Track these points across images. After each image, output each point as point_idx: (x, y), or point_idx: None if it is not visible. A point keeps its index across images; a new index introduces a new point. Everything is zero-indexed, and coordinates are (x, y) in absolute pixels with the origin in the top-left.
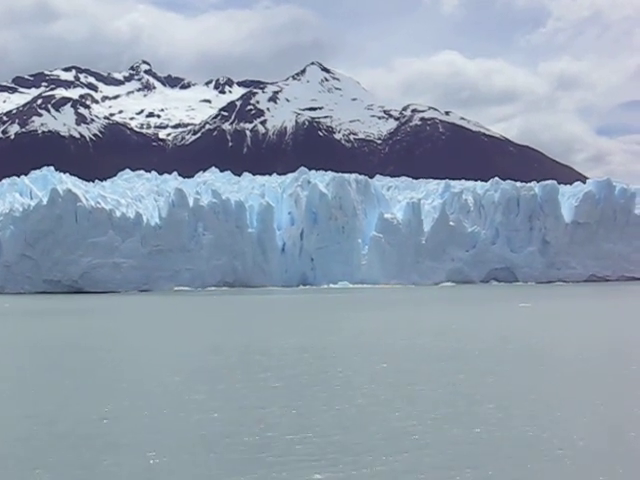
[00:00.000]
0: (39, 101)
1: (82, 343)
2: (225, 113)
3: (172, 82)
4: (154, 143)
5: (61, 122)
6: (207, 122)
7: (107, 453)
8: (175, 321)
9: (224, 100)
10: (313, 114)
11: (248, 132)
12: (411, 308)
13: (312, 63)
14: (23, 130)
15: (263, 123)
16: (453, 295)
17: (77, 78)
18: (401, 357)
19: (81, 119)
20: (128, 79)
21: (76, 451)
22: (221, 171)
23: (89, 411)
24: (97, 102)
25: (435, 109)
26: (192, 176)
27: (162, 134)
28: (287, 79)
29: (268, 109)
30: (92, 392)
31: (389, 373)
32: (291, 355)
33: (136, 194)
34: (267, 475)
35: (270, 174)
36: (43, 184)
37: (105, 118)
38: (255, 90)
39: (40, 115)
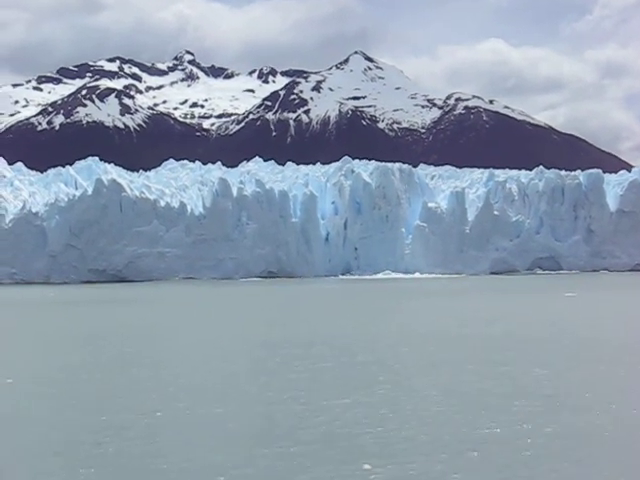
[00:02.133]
0: (83, 92)
1: (130, 334)
2: (269, 103)
3: (216, 72)
4: (198, 133)
5: (105, 112)
6: (251, 112)
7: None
8: (226, 311)
9: (267, 90)
10: (356, 103)
11: (291, 122)
12: (459, 298)
13: (355, 52)
14: (68, 121)
15: (306, 112)
16: (498, 285)
17: (121, 69)
18: (459, 347)
19: (125, 109)
20: (172, 69)
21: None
22: (265, 161)
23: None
24: (141, 92)
25: (479, 97)
26: (236, 166)
27: (206, 124)
28: (330, 68)
29: (311, 98)
30: (142, 387)
31: (452, 365)
32: (353, 345)
33: (180, 184)
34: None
35: (314, 164)
36: (88, 174)
37: (149, 108)
38: (298, 80)
39: (85, 106)
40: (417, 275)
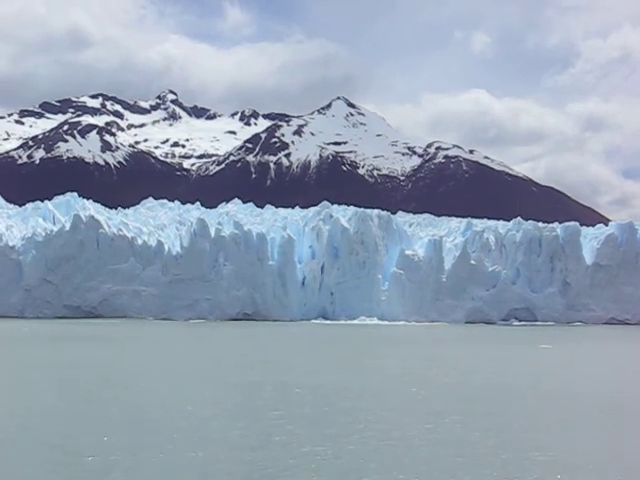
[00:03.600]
0: (65, 127)
1: (104, 374)
2: (250, 145)
3: (198, 112)
4: (178, 173)
5: (86, 149)
6: (231, 153)
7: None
8: (202, 353)
9: (249, 132)
10: (337, 148)
11: (272, 165)
12: (436, 347)
13: (338, 98)
14: (48, 155)
15: (287, 156)
16: (475, 334)
17: (103, 105)
18: (442, 397)
19: (106, 146)
20: (154, 108)
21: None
22: (244, 202)
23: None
24: (123, 130)
25: (459, 147)
26: (215, 207)
27: (186, 164)
28: (312, 113)
29: (293, 142)
30: (113, 426)
31: (434, 420)
32: (334, 391)
33: (158, 222)
34: None
35: (293, 207)
36: (66, 209)
37: (130, 146)
38: (280, 123)
39: (66, 141)
40: (392, 323)
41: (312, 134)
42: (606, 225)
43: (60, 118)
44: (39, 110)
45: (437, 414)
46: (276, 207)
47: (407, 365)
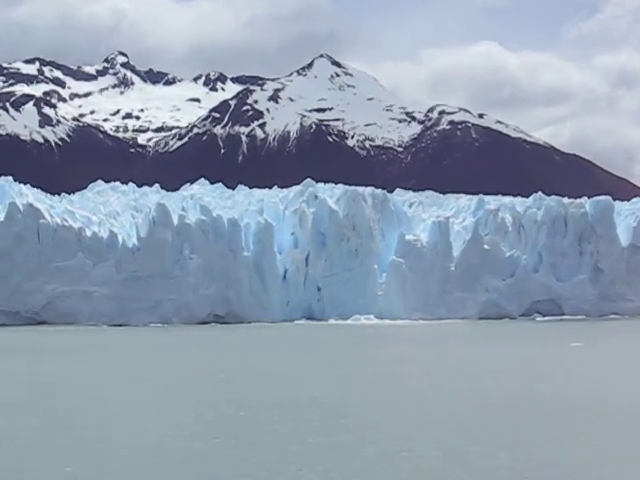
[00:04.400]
0: None
1: (39, 392)
2: (217, 114)
3: (154, 77)
4: (132, 150)
5: (21, 124)
6: (195, 125)
7: None
8: (169, 363)
9: (216, 99)
10: (321, 116)
11: (244, 137)
12: (443, 348)
13: (321, 56)
14: None
15: (262, 126)
16: (491, 332)
17: (41, 72)
18: (460, 408)
19: (45, 120)
20: (101, 74)
21: None
22: (211, 183)
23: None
24: (64, 100)
25: (467, 111)
26: (177, 189)
27: (142, 139)
28: (291, 74)
29: (268, 110)
30: (62, 452)
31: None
32: (334, 403)
33: (110, 210)
34: None
35: (270, 187)
36: (0, 197)
37: (74, 119)
38: (253, 87)
39: None
40: (391, 321)
41: (291, 100)
42: None
43: None
44: None
45: (454, 430)
46: (250, 188)
47: (414, 371)
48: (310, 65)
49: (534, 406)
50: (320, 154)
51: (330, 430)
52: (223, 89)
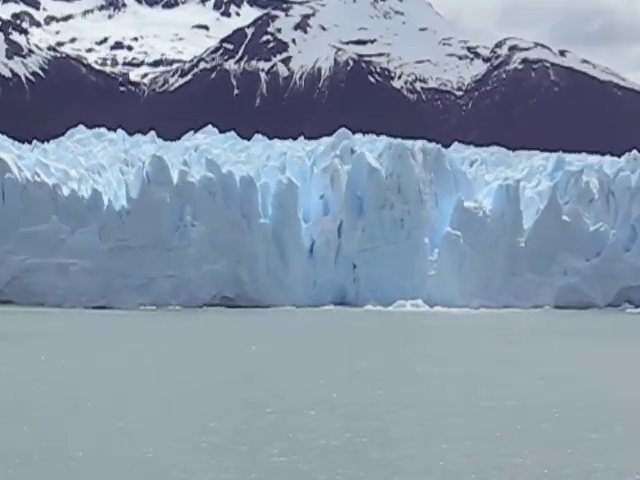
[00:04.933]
0: None
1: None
2: (229, 46)
3: None
4: (122, 88)
5: None
6: (202, 59)
7: None
8: (163, 359)
9: (228, 27)
10: (361, 50)
11: (263, 75)
12: (512, 344)
13: None
14: None
15: (286, 62)
16: (568, 325)
17: None
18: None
19: (14, 50)
20: None
21: None
22: (221, 132)
23: None
24: (39, 25)
25: (545, 47)
26: (178, 138)
27: (134, 75)
28: None
29: (294, 41)
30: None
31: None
32: (382, 412)
33: (93, 163)
34: None
35: (295, 138)
36: None
37: (50, 49)
38: (275, 13)
39: None
40: (444, 309)
41: (323, 28)
42: None
43: None
44: None
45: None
46: (270, 138)
47: (479, 373)
48: None
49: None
50: (358, 98)
51: None
52: (238, 14)
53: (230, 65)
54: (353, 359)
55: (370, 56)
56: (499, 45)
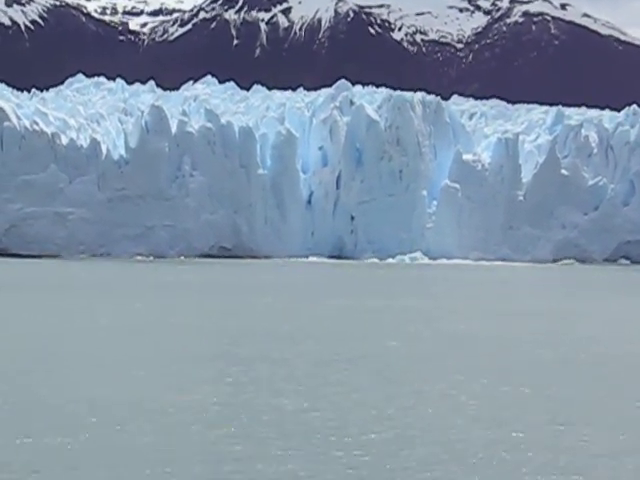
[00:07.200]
0: None
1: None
2: None
3: None
4: (121, 37)
5: None
6: (202, 8)
7: None
8: (160, 312)
9: None
10: (362, 1)
11: (263, 25)
12: (514, 299)
13: None
14: None
15: (286, 12)
16: (566, 279)
17: None
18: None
19: None
20: None
21: None
22: (220, 82)
23: None
24: None
25: (546, 0)
26: (177, 88)
27: (134, 24)
28: None
29: None
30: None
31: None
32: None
33: (92, 112)
34: None
35: (294, 89)
36: None
37: None
38: None
39: None
40: (442, 261)
41: None
42: None
43: None
44: None
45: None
46: (269, 89)
47: (488, 327)
48: None
49: None
50: (358, 49)
51: None
52: None
53: (230, 15)
54: (362, 308)
55: (370, 7)
56: None
